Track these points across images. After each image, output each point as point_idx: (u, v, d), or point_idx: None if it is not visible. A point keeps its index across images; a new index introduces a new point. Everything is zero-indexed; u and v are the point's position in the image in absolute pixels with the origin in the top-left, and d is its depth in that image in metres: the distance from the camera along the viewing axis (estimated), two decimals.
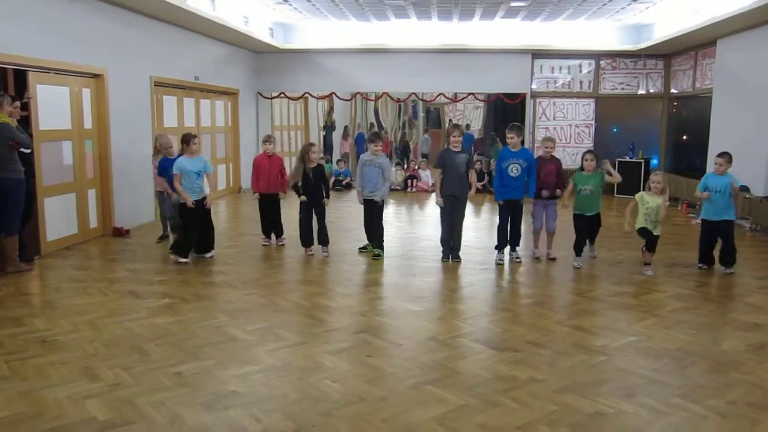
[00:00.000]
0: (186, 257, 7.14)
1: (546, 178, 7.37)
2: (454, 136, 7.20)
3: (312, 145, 7.59)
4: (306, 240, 7.64)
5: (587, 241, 7.50)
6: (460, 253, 7.44)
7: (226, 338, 4.75)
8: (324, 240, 7.65)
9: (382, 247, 7.65)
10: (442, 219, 7.44)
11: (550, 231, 7.55)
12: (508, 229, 7.38)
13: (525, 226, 7.83)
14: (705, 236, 7.07)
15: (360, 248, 7.92)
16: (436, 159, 7.55)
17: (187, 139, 7.15)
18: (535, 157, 7.71)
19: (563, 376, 4.09)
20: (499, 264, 7.27)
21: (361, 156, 7.94)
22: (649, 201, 6.77)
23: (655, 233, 6.82)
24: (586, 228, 7.30)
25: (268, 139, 8.25)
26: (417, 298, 5.98)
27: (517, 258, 7.41)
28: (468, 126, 18.89)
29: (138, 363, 4.23)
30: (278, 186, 8.08)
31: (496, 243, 7.50)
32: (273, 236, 8.29)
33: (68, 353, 4.41)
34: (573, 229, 7.33)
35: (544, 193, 7.36)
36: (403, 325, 5.12)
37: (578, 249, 7.26)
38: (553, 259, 7.46)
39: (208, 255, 7.43)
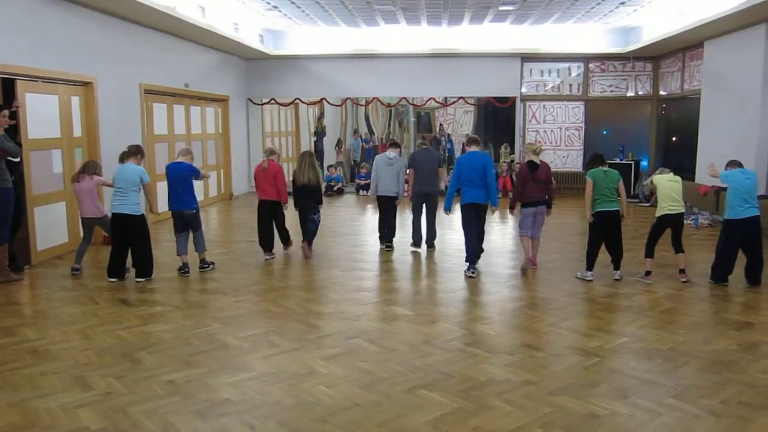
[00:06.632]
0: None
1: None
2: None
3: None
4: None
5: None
6: (435, 241, 8.34)
7: (218, 345, 4.73)
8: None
9: (390, 242, 8.38)
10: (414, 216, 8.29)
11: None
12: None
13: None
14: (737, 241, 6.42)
15: (386, 247, 8.32)
16: (408, 161, 8.43)
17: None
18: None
19: (557, 378, 4.10)
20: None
21: (377, 157, 8.36)
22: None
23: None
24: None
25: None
26: (409, 302, 5.99)
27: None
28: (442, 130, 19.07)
29: (130, 371, 4.21)
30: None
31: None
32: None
33: (60, 362, 4.37)
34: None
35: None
36: (397, 330, 5.12)
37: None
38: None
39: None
